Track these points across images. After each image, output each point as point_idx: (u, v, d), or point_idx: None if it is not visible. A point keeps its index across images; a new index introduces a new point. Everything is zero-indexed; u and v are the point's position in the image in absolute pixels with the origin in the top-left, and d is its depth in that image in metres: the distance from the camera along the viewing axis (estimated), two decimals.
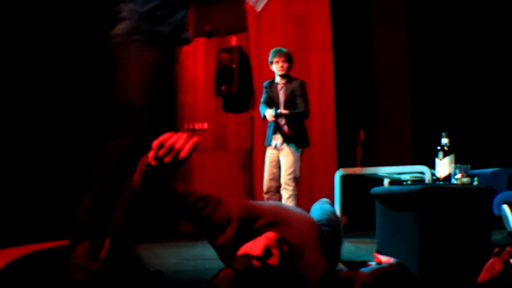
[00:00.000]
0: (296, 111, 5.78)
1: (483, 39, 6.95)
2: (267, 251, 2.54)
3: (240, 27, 7.73)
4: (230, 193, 5.07)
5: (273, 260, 2.54)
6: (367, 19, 7.60)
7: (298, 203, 5.66)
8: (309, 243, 2.77)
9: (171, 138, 2.45)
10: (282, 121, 5.72)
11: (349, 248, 4.78)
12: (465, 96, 6.97)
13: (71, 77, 6.83)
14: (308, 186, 7.00)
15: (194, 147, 2.43)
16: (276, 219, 2.76)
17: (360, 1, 7.63)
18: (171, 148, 2.44)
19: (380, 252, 3.59)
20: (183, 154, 2.43)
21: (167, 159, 2.44)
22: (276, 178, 5.82)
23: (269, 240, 2.59)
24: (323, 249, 2.79)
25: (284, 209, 3.00)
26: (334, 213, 3.55)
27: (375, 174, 4.31)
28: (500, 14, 6.93)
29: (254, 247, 2.56)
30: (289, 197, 5.73)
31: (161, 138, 2.45)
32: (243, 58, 7.42)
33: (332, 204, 3.80)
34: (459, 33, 7.01)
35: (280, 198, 5.76)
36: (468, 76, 7.03)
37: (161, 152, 2.44)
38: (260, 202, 3.06)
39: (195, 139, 2.45)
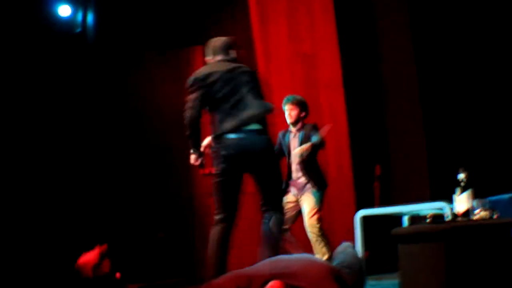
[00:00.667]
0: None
1: (497, 68, 6.93)
2: None
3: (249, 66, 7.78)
4: (252, 236, 5.04)
5: None
6: (376, 54, 7.63)
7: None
8: (320, 284, 2.74)
9: None
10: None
11: (372, 283, 4.78)
12: (480, 125, 6.95)
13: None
14: (328, 226, 6.98)
15: None
16: (275, 273, 2.69)
17: (368, 36, 7.66)
18: None
19: None
20: None
21: None
22: (290, 220, 5.71)
23: None
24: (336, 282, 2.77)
25: (284, 260, 2.98)
26: (355, 255, 3.55)
27: (395, 213, 4.32)
28: None
29: None
30: (317, 240, 5.59)
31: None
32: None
33: (353, 245, 3.80)
34: (471, 61, 7.01)
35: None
36: (481, 103, 7.02)
37: None
38: (254, 266, 2.98)
39: None
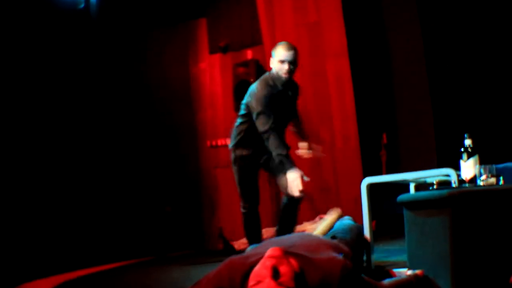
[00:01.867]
0: None
1: (504, 34, 6.88)
2: (275, 272, 2.47)
3: (254, 41, 7.77)
4: None
5: (285, 278, 2.47)
6: (381, 22, 7.58)
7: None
8: (316, 249, 2.73)
9: None
10: None
11: (380, 252, 4.79)
12: (486, 92, 6.92)
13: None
14: (335, 194, 7.00)
15: None
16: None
17: (373, 4, 7.60)
18: None
19: (410, 258, 3.60)
20: None
21: None
22: None
23: (274, 259, 2.51)
24: (335, 252, 2.76)
25: (277, 239, 2.99)
26: (353, 225, 3.61)
27: (403, 180, 4.30)
28: None
29: (260, 271, 2.49)
30: None
31: None
32: (260, 71, 7.43)
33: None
34: (477, 29, 6.96)
35: None
36: (486, 72, 6.98)
37: None
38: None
39: None
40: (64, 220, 6.64)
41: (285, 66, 4.83)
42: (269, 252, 2.52)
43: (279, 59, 4.84)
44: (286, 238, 3.01)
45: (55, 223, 6.54)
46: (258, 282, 2.44)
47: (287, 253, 2.55)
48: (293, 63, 4.90)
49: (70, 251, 6.29)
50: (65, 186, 6.79)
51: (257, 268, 2.52)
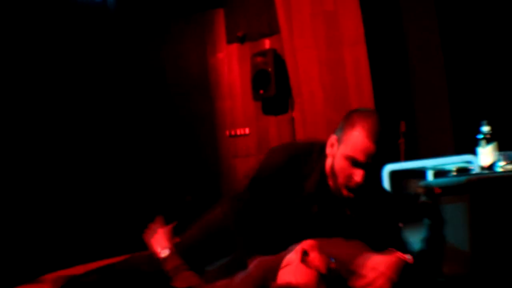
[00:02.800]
0: None
1: None
2: (305, 255, 2.45)
3: (272, 30, 7.78)
4: None
5: (317, 263, 2.45)
6: (397, 10, 7.56)
7: None
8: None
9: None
10: None
11: None
12: (504, 78, 6.89)
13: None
14: None
15: None
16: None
17: None
18: None
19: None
20: None
21: None
22: None
23: (306, 246, 2.50)
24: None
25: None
26: None
27: (423, 167, 4.34)
28: None
29: (291, 256, 2.45)
30: None
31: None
32: (278, 60, 7.47)
33: None
34: (496, 16, 6.93)
35: None
36: (505, 58, 6.95)
37: None
38: None
39: None
40: (86, 209, 6.69)
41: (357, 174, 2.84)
42: (302, 242, 2.52)
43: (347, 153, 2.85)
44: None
45: (78, 212, 6.59)
46: (287, 265, 2.45)
47: (321, 246, 2.53)
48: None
49: (93, 241, 6.35)
50: (85, 176, 6.84)
51: (288, 255, 2.51)
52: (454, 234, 3.35)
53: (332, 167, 2.85)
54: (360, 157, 2.77)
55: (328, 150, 2.89)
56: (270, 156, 3.06)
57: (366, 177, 2.79)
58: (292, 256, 2.44)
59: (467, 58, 7.02)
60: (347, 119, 2.88)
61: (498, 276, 3.18)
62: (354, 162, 2.78)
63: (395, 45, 7.50)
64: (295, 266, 2.39)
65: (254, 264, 2.66)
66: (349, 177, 2.80)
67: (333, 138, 2.89)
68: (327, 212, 2.92)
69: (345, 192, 2.84)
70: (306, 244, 2.48)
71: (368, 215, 2.94)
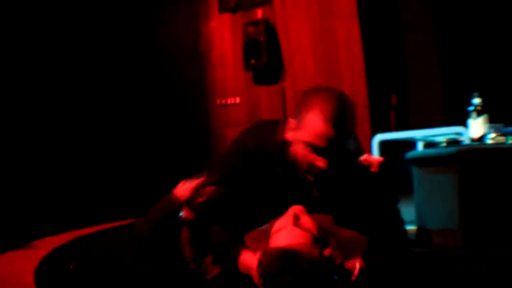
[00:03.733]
0: None
1: None
2: (297, 219, 2.43)
3: (264, 0, 7.74)
4: None
5: (309, 226, 2.43)
6: None
7: None
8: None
9: None
10: None
11: None
12: (494, 52, 6.90)
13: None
14: None
15: None
16: None
17: None
18: None
19: (418, 215, 3.64)
20: None
21: None
22: None
23: (297, 210, 2.50)
24: None
25: None
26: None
27: (413, 138, 4.33)
28: None
29: (282, 221, 2.45)
30: None
31: None
32: (270, 30, 7.44)
33: None
34: None
35: None
36: (494, 31, 6.95)
37: None
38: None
39: None
40: (75, 179, 6.68)
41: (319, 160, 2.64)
42: (291, 208, 2.51)
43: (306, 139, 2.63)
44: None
45: (64, 182, 6.59)
46: (280, 230, 2.43)
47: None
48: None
49: (82, 209, 6.35)
50: (74, 145, 6.81)
51: (278, 221, 2.49)
52: (443, 204, 3.37)
53: (295, 153, 2.63)
54: (320, 143, 2.55)
55: (289, 135, 2.65)
56: (238, 139, 2.96)
57: (330, 161, 2.58)
58: (283, 221, 2.44)
59: (459, 31, 7.02)
60: (303, 101, 2.61)
61: (487, 246, 3.21)
62: (315, 149, 2.56)
63: (388, 18, 7.49)
64: (289, 229, 2.40)
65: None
66: (311, 163, 2.59)
67: (291, 123, 2.64)
68: (296, 193, 2.74)
69: (310, 178, 2.65)
70: (296, 208, 2.49)
71: (336, 194, 2.77)
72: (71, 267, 3.44)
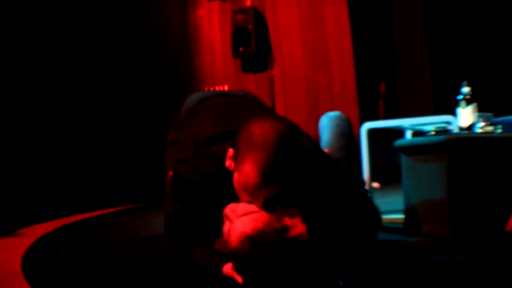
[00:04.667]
0: None
1: None
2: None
3: None
4: None
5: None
6: None
7: None
8: None
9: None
10: None
11: (377, 202, 4.83)
12: (484, 42, 6.91)
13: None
14: None
15: None
16: None
17: None
18: None
19: (406, 204, 3.64)
20: None
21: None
22: None
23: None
24: None
25: None
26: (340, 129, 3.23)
27: (401, 126, 4.32)
28: None
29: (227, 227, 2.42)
30: None
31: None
32: (259, 18, 7.41)
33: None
34: None
35: None
36: (485, 21, 6.96)
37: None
38: None
39: None
40: (63, 166, 6.65)
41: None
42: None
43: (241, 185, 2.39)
44: None
45: (52, 170, 6.55)
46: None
47: None
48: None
49: (70, 197, 6.32)
50: (64, 132, 6.77)
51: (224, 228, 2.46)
52: (432, 193, 3.37)
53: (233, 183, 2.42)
54: (254, 197, 2.33)
55: (227, 163, 2.44)
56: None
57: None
58: (227, 224, 2.44)
59: (449, 20, 7.02)
60: (243, 137, 2.35)
61: (476, 236, 3.21)
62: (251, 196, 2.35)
63: (378, 6, 7.48)
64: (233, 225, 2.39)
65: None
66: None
67: (230, 152, 2.42)
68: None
69: None
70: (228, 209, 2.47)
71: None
72: (63, 253, 3.43)
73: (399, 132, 4.67)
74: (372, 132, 4.26)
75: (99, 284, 2.64)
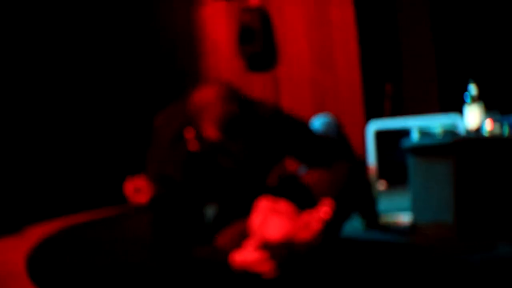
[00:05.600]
0: None
1: None
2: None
3: None
4: None
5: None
6: None
7: None
8: None
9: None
10: None
11: (384, 202, 4.82)
12: (490, 40, 6.89)
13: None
14: None
15: None
16: None
17: None
18: None
19: (414, 205, 3.62)
20: None
21: None
22: None
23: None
24: None
25: None
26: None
27: (408, 126, 4.30)
28: None
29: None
30: None
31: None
32: (265, 17, 7.40)
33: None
34: None
35: None
36: (492, 19, 6.94)
37: None
38: None
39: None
40: (66, 166, 6.65)
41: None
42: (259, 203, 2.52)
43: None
44: None
45: (56, 169, 6.55)
46: (263, 223, 2.44)
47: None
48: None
49: (74, 196, 6.32)
50: (66, 131, 6.76)
51: (253, 216, 2.49)
52: (439, 194, 3.35)
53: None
54: (222, 150, 2.58)
55: (191, 147, 2.65)
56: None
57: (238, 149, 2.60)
58: (261, 215, 2.43)
59: (454, 19, 7.01)
60: (191, 110, 2.59)
61: (482, 238, 3.20)
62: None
63: (384, 6, 7.47)
64: (275, 221, 2.39)
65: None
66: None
67: (190, 134, 2.64)
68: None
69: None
70: (265, 201, 2.48)
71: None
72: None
73: (405, 132, 4.66)
74: (378, 132, 4.25)
75: (103, 285, 2.63)
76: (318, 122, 3.33)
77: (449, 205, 3.27)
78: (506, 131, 3.47)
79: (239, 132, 2.51)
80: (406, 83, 7.26)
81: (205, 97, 2.54)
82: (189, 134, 2.56)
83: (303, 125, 2.88)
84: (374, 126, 4.08)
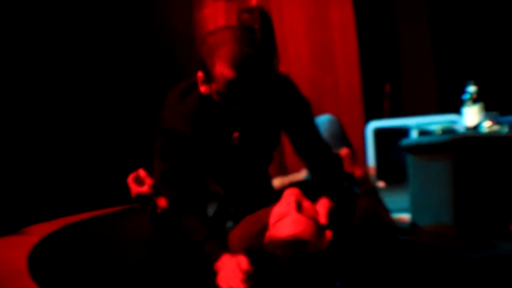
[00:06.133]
0: None
1: None
2: (299, 206, 2.35)
3: None
4: None
5: (311, 213, 2.37)
6: None
7: None
8: None
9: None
10: None
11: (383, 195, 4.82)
12: (489, 40, 6.89)
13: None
14: None
15: None
16: None
17: None
18: None
19: (413, 203, 3.64)
20: None
21: None
22: None
23: (294, 195, 2.43)
24: None
25: None
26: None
27: (407, 125, 4.33)
28: None
29: (282, 208, 2.37)
30: None
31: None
32: (265, 18, 7.39)
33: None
34: None
35: None
36: (490, 19, 6.95)
37: None
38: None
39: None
40: (67, 164, 6.64)
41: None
42: (287, 191, 2.44)
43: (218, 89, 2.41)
44: None
45: (57, 168, 6.55)
46: (282, 218, 2.35)
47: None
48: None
49: (76, 195, 6.32)
50: (69, 131, 6.77)
51: (277, 207, 2.41)
52: (438, 192, 3.36)
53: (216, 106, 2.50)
54: (238, 98, 2.39)
55: (202, 89, 2.47)
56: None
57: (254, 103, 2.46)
58: (284, 208, 2.39)
59: (453, 18, 7.02)
60: (204, 51, 2.38)
61: (481, 235, 3.21)
62: (228, 99, 2.40)
63: (382, 5, 7.48)
64: (293, 217, 2.34)
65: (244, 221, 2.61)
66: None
67: (199, 75, 2.44)
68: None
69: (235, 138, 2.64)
70: (294, 192, 2.43)
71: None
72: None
73: (404, 131, 4.67)
74: (377, 131, 4.26)
75: (104, 283, 2.64)
76: (320, 121, 3.30)
77: (448, 203, 3.28)
78: (504, 130, 3.48)
79: (253, 75, 2.33)
80: (405, 83, 7.27)
81: (220, 36, 2.35)
82: (199, 75, 2.45)
83: (309, 105, 2.82)
84: (373, 126, 4.08)
